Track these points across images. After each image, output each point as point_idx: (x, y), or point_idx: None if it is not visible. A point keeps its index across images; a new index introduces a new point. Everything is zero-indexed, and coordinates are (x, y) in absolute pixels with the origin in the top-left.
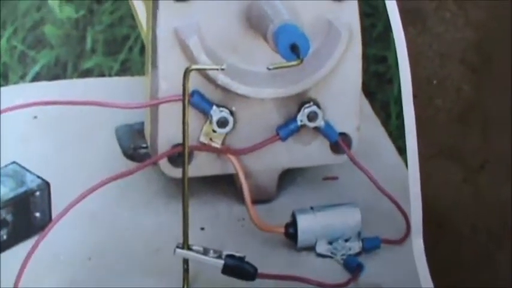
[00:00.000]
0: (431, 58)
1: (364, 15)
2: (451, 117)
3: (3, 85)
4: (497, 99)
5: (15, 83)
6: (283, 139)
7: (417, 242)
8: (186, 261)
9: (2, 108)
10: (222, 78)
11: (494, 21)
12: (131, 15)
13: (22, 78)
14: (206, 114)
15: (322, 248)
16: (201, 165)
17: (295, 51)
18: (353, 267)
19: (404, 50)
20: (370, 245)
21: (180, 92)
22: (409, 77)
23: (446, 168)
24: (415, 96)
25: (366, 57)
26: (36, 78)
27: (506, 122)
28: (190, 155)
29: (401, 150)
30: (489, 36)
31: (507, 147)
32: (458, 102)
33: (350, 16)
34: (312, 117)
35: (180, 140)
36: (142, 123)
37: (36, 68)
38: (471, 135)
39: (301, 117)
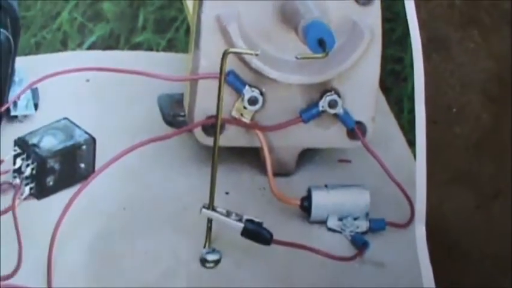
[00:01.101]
0: (452, 86)
1: (385, 19)
2: (468, 145)
3: (62, 51)
4: None
5: (73, 49)
6: (305, 121)
7: (420, 229)
8: (210, 221)
9: (60, 70)
10: (255, 62)
11: None
12: (179, 0)
13: (79, 46)
14: (239, 92)
15: (332, 223)
16: (231, 137)
17: (321, 45)
18: (359, 244)
19: (420, 52)
20: (376, 226)
21: (218, 70)
22: (422, 77)
23: (460, 194)
24: (434, 122)
25: (384, 57)
26: (91, 47)
27: None
28: (222, 126)
29: (411, 142)
30: (510, 68)
31: None
32: (476, 131)
33: (373, 19)
34: (332, 104)
35: (214, 112)
36: (181, 94)
37: (93, 38)
38: (487, 163)
39: (323, 104)
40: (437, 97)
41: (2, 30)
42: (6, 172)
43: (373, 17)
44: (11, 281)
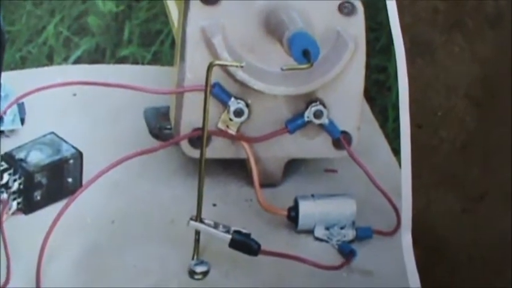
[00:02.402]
0: (437, 90)
1: (369, 29)
2: (453, 148)
3: (48, 65)
4: (499, 132)
5: (59, 64)
6: (291, 132)
7: (406, 237)
8: (197, 233)
9: (46, 85)
10: (240, 74)
11: (499, 58)
12: (164, 13)
13: (65, 60)
14: (225, 104)
15: (319, 232)
16: (217, 149)
17: (306, 56)
18: (346, 252)
19: (403, 61)
20: (363, 234)
21: (203, 83)
22: (407, 86)
23: (446, 197)
24: (419, 127)
25: (368, 66)
26: (77, 61)
27: (507, 155)
28: (208, 138)
29: (396, 151)
30: (494, 71)
31: (507, 179)
32: (461, 134)
33: (357, 29)
34: (317, 114)
35: (200, 125)
36: (167, 107)
37: (78, 52)
38: (472, 166)
39: (308, 114)
40: (422, 101)
41: None
42: None
43: (357, 27)
44: None
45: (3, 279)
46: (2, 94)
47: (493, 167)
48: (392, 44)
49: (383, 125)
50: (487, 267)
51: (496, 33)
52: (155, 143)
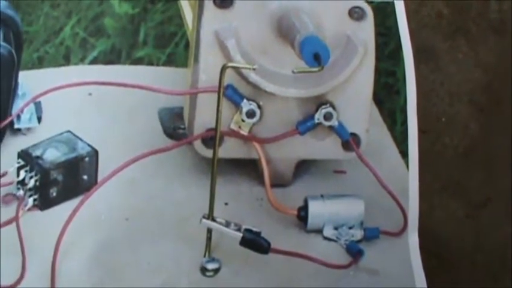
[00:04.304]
0: (441, 96)
1: (378, 34)
2: (456, 154)
3: (64, 65)
4: (502, 139)
5: (75, 64)
6: (302, 133)
7: (413, 237)
8: (209, 231)
9: (63, 84)
10: (253, 77)
11: (503, 65)
12: (179, 16)
13: (82, 60)
14: (237, 106)
15: (328, 232)
16: (230, 149)
17: (317, 59)
18: (354, 252)
19: (412, 66)
20: (371, 234)
21: (217, 84)
22: (415, 90)
23: (449, 202)
24: (423, 132)
25: (377, 70)
26: (93, 61)
27: (510, 161)
28: (221, 139)
29: (404, 153)
30: (497, 78)
31: (510, 185)
32: (465, 140)
33: (366, 34)
34: (327, 117)
35: (213, 125)
36: (181, 108)
37: (95, 53)
38: (475, 172)
39: (318, 116)
40: (426, 107)
41: (4, 44)
42: (10, 184)
43: (366, 32)
44: None
45: (18, 275)
46: (20, 93)
47: (496, 173)
48: (401, 48)
49: (391, 128)
50: (489, 273)
51: (499, 40)
52: (169, 142)
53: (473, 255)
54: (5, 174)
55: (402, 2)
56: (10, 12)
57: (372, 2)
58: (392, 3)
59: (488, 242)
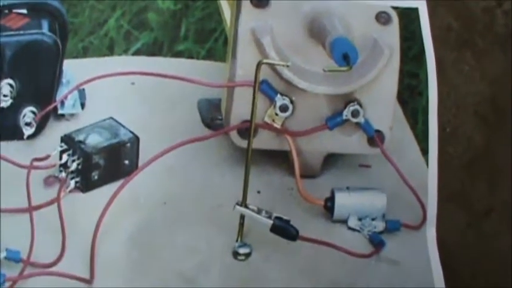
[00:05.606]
0: (447, 107)
1: (403, 38)
2: (460, 165)
3: (108, 55)
4: (505, 151)
5: (119, 55)
6: (331, 128)
7: (431, 231)
8: (242, 217)
9: (106, 73)
10: (286, 73)
11: (508, 77)
12: (218, 13)
13: (125, 52)
14: (271, 100)
15: (352, 222)
16: (263, 140)
17: (346, 59)
18: (376, 242)
19: (434, 69)
20: (392, 227)
21: (253, 79)
22: (436, 91)
23: (452, 212)
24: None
25: (402, 72)
26: (136, 53)
27: None
28: (256, 130)
29: (424, 151)
30: (502, 91)
31: None
32: (469, 151)
33: (392, 38)
34: (354, 114)
35: (249, 117)
36: (219, 99)
37: (138, 45)
38: (479, 182)
39: (346, 113)
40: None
41: (50, 34)
42: (53, 166)
43: (392, 35)
44: (54, 269)
45: (58, 254)
46: (64, 80)
47: (499, 184)
48: (424, 52)
49: (413, 127)
50: (491, 283)
51: (505, 53)
52: (207, 131)
53: (476, 264)
54: (47, 157)
55: (426, 9)
56: (56, 3)
57: (397, 8)
58: (416, 10)
59: (490, 252)
